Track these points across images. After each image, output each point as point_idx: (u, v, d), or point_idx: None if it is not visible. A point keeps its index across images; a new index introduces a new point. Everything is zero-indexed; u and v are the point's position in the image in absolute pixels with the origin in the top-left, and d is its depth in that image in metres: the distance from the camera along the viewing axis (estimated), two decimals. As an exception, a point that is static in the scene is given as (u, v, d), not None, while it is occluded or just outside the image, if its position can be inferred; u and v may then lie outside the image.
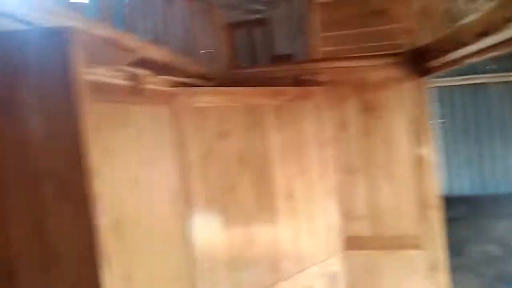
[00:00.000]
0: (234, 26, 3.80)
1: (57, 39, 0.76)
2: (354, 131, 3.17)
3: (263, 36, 4.37)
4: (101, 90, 1.57)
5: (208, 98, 2.49)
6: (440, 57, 2.64)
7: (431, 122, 3.12)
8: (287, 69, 3.23)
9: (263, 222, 2.72)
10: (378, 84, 3.11)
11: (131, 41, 1.49)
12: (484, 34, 1.90)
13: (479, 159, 6.22)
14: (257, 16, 4.29)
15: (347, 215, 3.17)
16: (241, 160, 2.62)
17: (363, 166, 3.16)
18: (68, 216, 0.78)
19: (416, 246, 3.08)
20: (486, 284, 4.85)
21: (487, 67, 6.02)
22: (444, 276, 3.09)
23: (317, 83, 3.10)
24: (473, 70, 5.94)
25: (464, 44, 2.17)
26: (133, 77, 1.76)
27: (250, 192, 2.66)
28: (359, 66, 3.10)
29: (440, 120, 6.18)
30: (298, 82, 3.08)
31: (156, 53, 1.80)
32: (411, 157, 3.07)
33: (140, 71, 1.77)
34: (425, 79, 3.06)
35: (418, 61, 2.95)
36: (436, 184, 3.08)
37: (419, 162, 3.06)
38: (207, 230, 2.44)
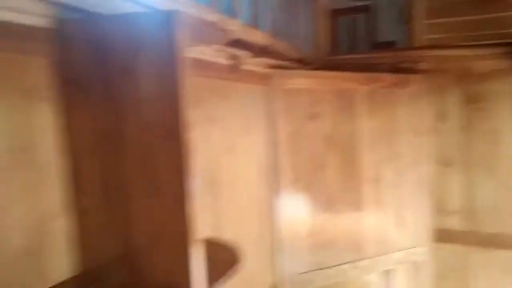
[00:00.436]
0: (338, 12, 3.85)
1: (168, 21, 1.00)
2: (454, 123, 3.06)
3: (366, 23, 4.34)
4: (205, 67, 1.83)
5: (300, 81, 2.64)
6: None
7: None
8: (387, 56, 3.21)
9: (347, 203, 2.82)
10: (484, 75, 2.95)
11: (233, 24, 1.70)
12: None
13: None
14: (362, 2, 4.27)
15: (440, 207, 3.11)
16: (329, 142, 2.74)
17: (461, 159, 3.06)
18: (170, 154, 1.05)
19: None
20: None
21: None
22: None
23: (417, 71, 3.05)
24: None
25: None
26: (234, 57, 2.00)
27: (336, 173, 2.77)
28: (464, 55, 2.97)
29: None
30: (396, 69, 3.05)
31: (256, 36, 2.00)
32: (517, 154, 2.89)
33: (240, 52, 1.99)
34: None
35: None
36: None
37: (525, 160, 2.86)
38: (291, 204, 2.63)
